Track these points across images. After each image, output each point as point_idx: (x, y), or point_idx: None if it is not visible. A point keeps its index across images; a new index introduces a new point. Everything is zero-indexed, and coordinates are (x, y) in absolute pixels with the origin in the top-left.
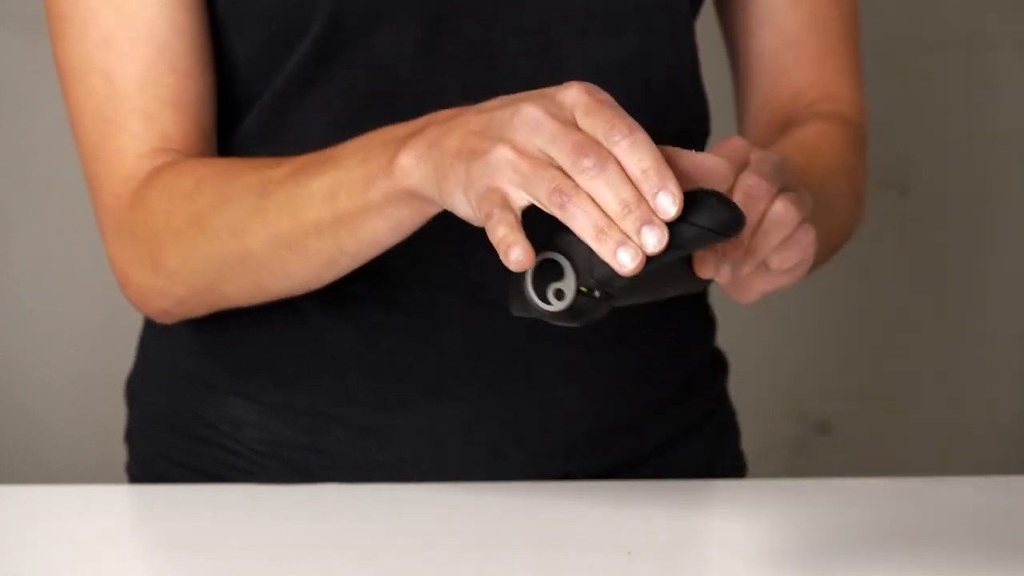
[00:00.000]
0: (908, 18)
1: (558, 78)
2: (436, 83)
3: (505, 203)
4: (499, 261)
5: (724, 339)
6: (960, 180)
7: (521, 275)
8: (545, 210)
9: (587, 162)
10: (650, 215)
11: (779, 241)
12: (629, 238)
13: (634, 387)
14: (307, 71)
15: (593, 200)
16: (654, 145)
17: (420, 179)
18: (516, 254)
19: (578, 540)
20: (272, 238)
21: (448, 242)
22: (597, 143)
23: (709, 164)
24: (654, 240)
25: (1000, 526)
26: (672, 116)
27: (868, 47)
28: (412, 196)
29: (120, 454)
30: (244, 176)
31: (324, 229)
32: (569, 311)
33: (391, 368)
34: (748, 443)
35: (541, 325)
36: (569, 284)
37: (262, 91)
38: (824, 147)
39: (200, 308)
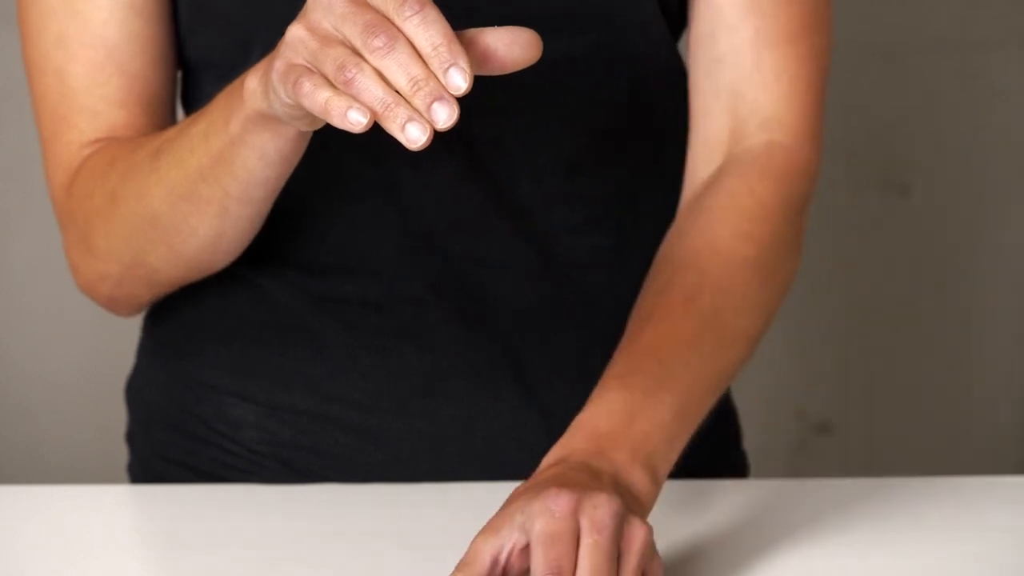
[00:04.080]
0: (908, 18)
1: (513, 76)
2: None
3: (308, 72)
4: (494, 261)
5: None
6: (961, 180)
7: None
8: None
9: (377, 41)
10: (440, 91)
11: None
12: (419, 114)
13: None
14: None
15: (381, 77)
16: (445, 22)
17: (263, 96)
18: (355, 115)
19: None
20: (169, 194)
21: (439, 242)
22: (387, 22)
23: (511, 35)
24: (444, 115)
25: (999, 526)
26: (645, 105)
27: (868, 47)
28: (264, 118)
29: (120, 454)
30: (148, 143)
31: (207, 173)
32: None
33: (387, 369)
34: (748, 443)
35: (536, 324)
36: None
37: None
38: (719, 255)
39: (139, 287)
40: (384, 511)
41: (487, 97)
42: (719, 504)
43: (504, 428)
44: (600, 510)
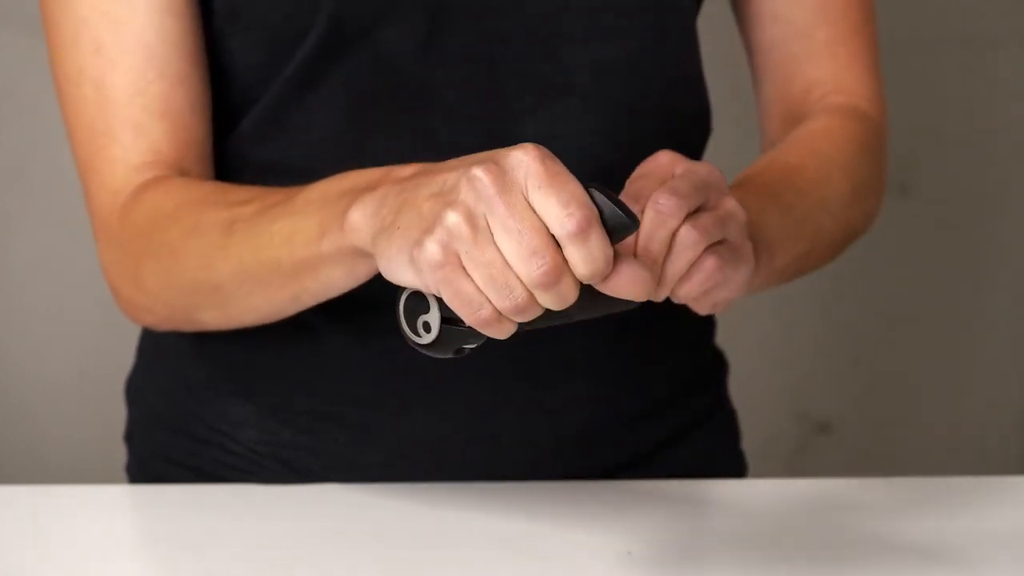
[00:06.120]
0: (909, 16)
1: (559, 75)
2: (439, 78)
3: (459, 273)
4: None
5: (724, 339)
6: (961, 179)
7: (396, 306)
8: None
9: (540, 275)
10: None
11: (684, 266)
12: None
13: (634, 387)
14: (309, 72)
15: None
16: (607, 239)
17: (366, 237)
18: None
19: (578, 540)
20: (238, 273)
21: None
22: (552, 246)
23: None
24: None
25: (1000, 526)
26: (674, 112)
27: None
28: (360, 252)
29: (120, 454)
30: (217, 210)
31: (285, 270)
32: (436, 344)
33: (389, 369)
34: (748, 443)
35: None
36: (434, 317)
37: (261, 94)
38: (824, 144)
39: (187, 326)
40: (384, 511)
41: (525, 100)
42: (719, 504)
43: (508, 428)
44: (695, 163)
